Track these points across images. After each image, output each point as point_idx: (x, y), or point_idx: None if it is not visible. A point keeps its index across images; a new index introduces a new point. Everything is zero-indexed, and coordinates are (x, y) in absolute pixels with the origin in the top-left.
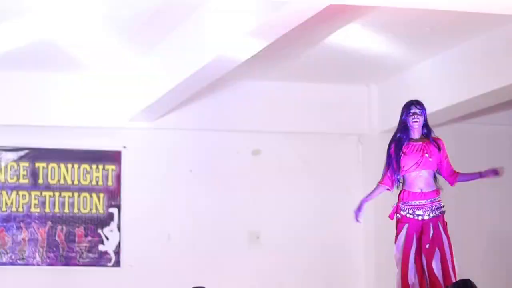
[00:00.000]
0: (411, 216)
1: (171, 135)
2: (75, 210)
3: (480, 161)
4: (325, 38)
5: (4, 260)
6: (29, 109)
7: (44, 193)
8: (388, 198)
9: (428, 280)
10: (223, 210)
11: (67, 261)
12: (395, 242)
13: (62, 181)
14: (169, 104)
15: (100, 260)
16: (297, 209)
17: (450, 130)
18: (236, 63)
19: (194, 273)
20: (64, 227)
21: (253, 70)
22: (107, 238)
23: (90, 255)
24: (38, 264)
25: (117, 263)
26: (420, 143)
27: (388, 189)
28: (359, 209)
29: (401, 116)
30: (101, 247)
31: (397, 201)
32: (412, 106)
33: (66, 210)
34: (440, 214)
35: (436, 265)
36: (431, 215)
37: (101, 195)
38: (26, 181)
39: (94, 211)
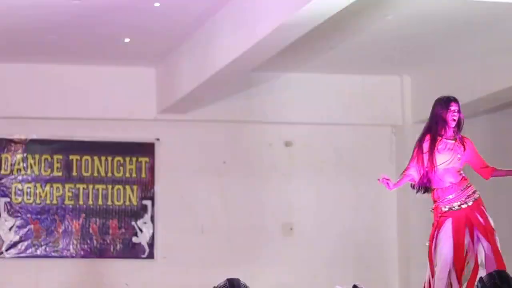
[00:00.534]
0: (453, 209)
1: (204, 127)
2: (109, 202)
3: None
4: (358, 30)
5: (38, 252)
6: (63, 102)
7: (78, 185)
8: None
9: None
10: (256, 202)
11: (101, 253)
12: (434, 239)
13: (95, 174)
14: (202, 96)
15: (134, 252)
16: (330, 200)
17: (484, 120)
18: (268, 55)
19: (227, 265)
20: (97, 219)
21: (286, 62)
22: (141, 230)
23: (124, 247)
24: (72, 256)
25: (150, 255)
26: (453, 142)
27: (413, 180)
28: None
29: (437, 110)
30: (134, 239)
31: (433, 203)
32: (452, 102)
33: (100, 203)
34: (477, 198)
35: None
36: (469, 203)
37: (135, 187)
38: (60, 173)
39: (127, 203)
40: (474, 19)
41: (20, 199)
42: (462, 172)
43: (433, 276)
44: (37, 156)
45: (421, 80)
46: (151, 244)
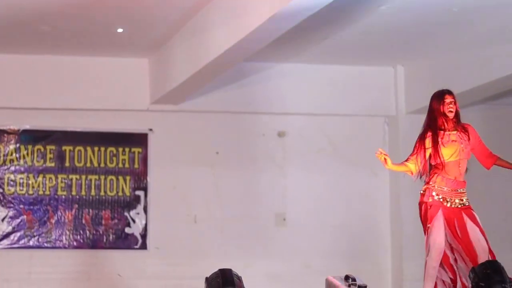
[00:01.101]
0: (442, 201)
1: (197, 118)
2: (102, 193)
3: (508, 141)
4: (352, 20)
5: (31, 243)
6: (55, 93)
7: (70, 176)
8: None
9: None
10: (249, 192)
11: (94, 244)
12: (427, 225)
13: (88, 164)
14: (195, 87)
15: (127, 242)
16: (323, 190)
17: (478, 111)
18: (261, 45)
19: (220, 255)
20: (90, 210)
21: (279, 52)
22: (134, 221)
23: (117, 237)
24: (64, 247)
25: (143, 246)
26: (455, 132)
27: (411, 173)
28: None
29: (434, 105)
30: (127, 230)
31: (426, 183)
32: (446, 95)
33: (93, 193)
34: (467, 204)
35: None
36: (458, 205)
37: (128, 177)
38: (53, 164)
39: (120, 193)
40: (468, 9)
41: (12, 189)
42: (493, 156)
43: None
44: (29, 147)
45: (414, 70)
46: (144, 235)
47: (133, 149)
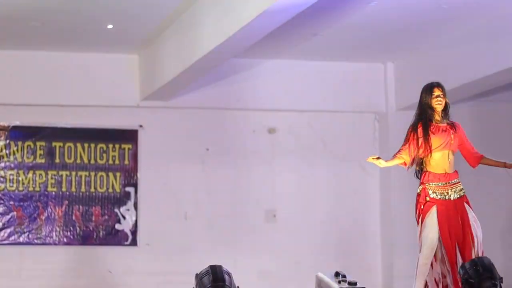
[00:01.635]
0: (439, 197)
1: (187, 114)
2: (92, 189)
3: (498, 138)
4: (342, 16)
5: (21, 239)
6: (45, 89)
7: (60, 172)
8: (405, 176)
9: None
10: (240, 188)
11: (84, 240)
12: (420, 223)
13: (78, 160)
14: (185, 83)
15: (117, 239)
16: (313, 187)
17: (468, 107)
18: (252, 41)
19: (210, 252)
20: (80, 206)
21: (270, 48)
22: (124, 217)
23: (107, 234)
24: (55, 243)
25: (133, 242)
26: (445, 124)
27: (404, 164)
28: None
29: (423, 98)
30: (117, 226)
31: (420, 183)
32: (435, 88)
33: (83, 189)
34: (463, 194)
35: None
36: (456, 196)
37: (118, 174)
38: (43, 160)
39: (110, 190)
40: (457, 6)
41: (2, 186)
42: (477, 153)
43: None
44: (19, 143)
45: (404, 67)
46: (134, 231)
47: (123, 146)
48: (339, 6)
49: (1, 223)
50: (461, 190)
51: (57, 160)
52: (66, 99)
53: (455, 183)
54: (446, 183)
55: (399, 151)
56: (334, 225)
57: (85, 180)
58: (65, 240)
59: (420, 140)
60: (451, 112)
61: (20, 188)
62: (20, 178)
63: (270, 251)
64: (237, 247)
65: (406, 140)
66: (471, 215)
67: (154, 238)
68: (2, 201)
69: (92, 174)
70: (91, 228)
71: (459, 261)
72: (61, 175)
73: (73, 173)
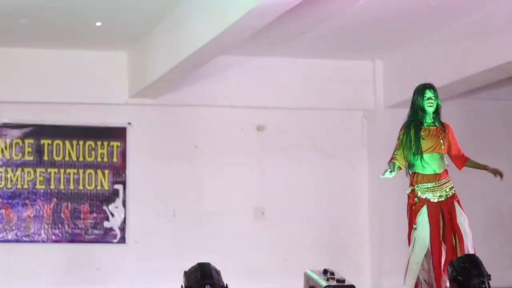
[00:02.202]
0: (429, 198)
1: (176, 112)
2: (80, 187)
3: (485, 136)
4: (330, 14)
5: (9, 237)
6: (34, 86)
7: (49, 169)
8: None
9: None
10: (228, 186)
11: (73, 238)
12: (412, 223)
13: (67, 158)
14: (174, 80)
15: (106, 236)
16: (302, 184)
17: (456, 105)
18: (240, 39)
19: (199, 250)
20: (69, 204)
21: (258, 46)
22: (112, 215)
23: (96, 231)
24: (43, 241)
25: (122, 240)
26: (434, 128)
27: (399, 169)
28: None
29: (415, 99)
30: (106, 224)
31: (409, 185)
32: (427, 90)
33: (71, 187)
34: (454, 193)
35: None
36: (445, 196)
37: (106, 171)
38: (31, 158)
39: (99, 187)
40: (446, 4)
41: None
42: (446, 163)
43: None
44: (8, 140)
45: (393, 64)
46: (122, 229)
47: (111, 143)
48: (327, 4)
49: None
50: (451, 189)
51: (46, 158)
52: (54, 97)
53: (445, 183)
54: (435, 184)
55: (393, 157)
56: (323, 223)
57: (73, 178)
58: (53, 237)
59: (413, 143)
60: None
61: (9, 186)
62: (8, 176)
63: (258, 249)
64: (225, 244)
65: (399, 143)
66: (459, 212)
67: (143, 235)
68: None
69: (81, 171)
70: (79, 226)
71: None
72: (50, 173)
73: (62, 170)
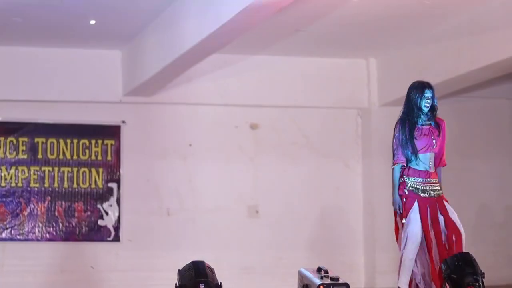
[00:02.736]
0: (418, 193)
1: (170, 110)
2: (74, 185)
3: (478, 134)
4: (324, 12)
5: (3, 235)
6: (28, 84)
7: (43, 168)
8: (388, 172)
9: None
10: (222, 184)
11: (67, 236)
12: (404, 217)
13: (61, 156)
14: (168, 78)
15: (100, 235)
16: (296, 182)
17: (449, 103)
18: (234, 37)
19: (193, 248)
20: (63, 202)
21: (252, 44)
22: (107, 213)
23: (90, 230)
24: (37, 239)
25: (116, 238)
26: (428, 127)
27: (403, 166)
28: (399, 208)
29: (412, 96)
30: (100, 222)
31: (400, 177)
32: (426, 89)
33: (65, 185)
34: (441, 194)
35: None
36: (434, 194)
37: (100, 170)
38: (25, 156)
39: (93, 186)
40: (439, 2)
41: None
42: (444, 161)
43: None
44: (2, 139)
45: (387, 63)
46: (116, 227)
47: (105, 141)
48: (321, 2)
49: None
50: (438, 190)
51: (40, 156)
52: (48, 95)
53: (433, 183)
54: (425, 180)
55: (398, 158)
56: (317, 221)
57: (67, 176)
58: (47, 236)
59: (408, 142)
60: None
61: (3, 184)
62: (2, 174)
63: (252, 247)
64: (219, 242)
65: (396, 142)
66: (451, 211)
67: (137, 234)
68: None
69: (75, 170)
70: (73, 224)
71: (435, 256)
72: (44, 171)
73: (56, 169)
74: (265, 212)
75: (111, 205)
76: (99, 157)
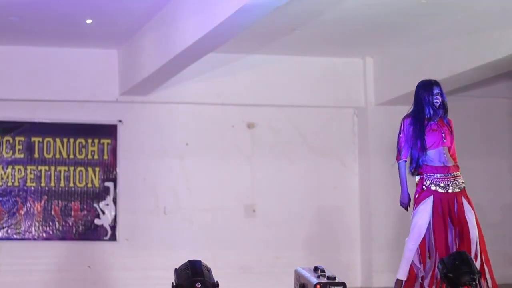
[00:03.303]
0: (435, 188)
1: (166, 109)
2: (71, 184)
3: (474, 133)
4: (321, 11)
5: (0, 234)
6: (24, 84)
7: (40, 167)
8: (385, 171)
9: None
10: (219, 183)
11: (63, 235)
12: (414, 208)
13: (57, 155)
14: (164, 78)
15: (96, 234)
16: (293, 182)
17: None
18: (231, 36)
19: (190, 247)
20: (60, 202)
21: (248, 43)
22: (103, 212)
23: (86, 229)
24: (34, 239)
25: (113, 237)
26: (436, 123)
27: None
28: (409, 203)
29: (421, 95)
30: (97, 221)
31: (418, 174)
32: (435, 86)
33: (62, 184)
34: (463, 188)
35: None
36: (455, 189)
37: (97, 169)
38: (22, 155)
39: (89, 185)
40: (436, 1)
41: None
42: (455, 159)
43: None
44: None
45: (383, 62)
46: (113, 226)
47: (102, 140)
48: (318, 1)
49: None
50: (461, 183)
51: (36, 155)
52: (45, 94)
53: (455, 176)
54: (444, 175)
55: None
56: (314, 220)
57: (64, 175)
58: (44, 235)
59: (417, 138)
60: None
61: None
62: None
63: (249, 246)
64: (216, 242)
65: (403, 138)
66: (468, 208)
67: (134, 233)
68: None
69: (71, 169)
70: (70, 223)
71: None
72: (40, 170)
73: (52, 168)
74: (262, 211)
75: (107, 204)
76: (96, 156)
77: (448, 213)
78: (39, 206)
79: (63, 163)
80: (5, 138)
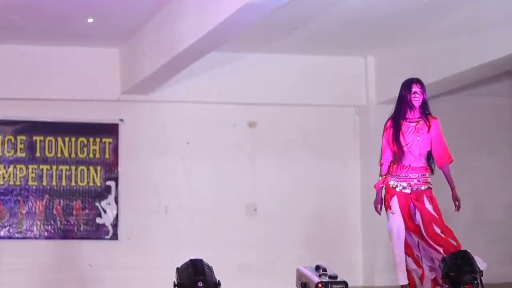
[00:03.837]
0: (397, 188)
1: (168, 108)
2: (73, 183)
3: (476, 131)
4: (322, 10)
5: (1, 233)
6: (26, 83)
7: (41, 166)
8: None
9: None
10: (220, 182)
11: (65, 234)
12: (386, 211)
13: (59, 154)
14: (165, 77)
15: (98, 233)
16: (294, 180)
17: (448, 101)
18: (232, 35)
19: (191, 246)
20: (61, 200)
21: (249, 42)
22: (105, 211)
23: (88, 228)
24: (35, 237)
25: (114, 236)
26: (414, 124)
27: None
28: (379, 200)
29: (401, 93)
30: (98, 220)
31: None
32: (413, 84)
33: (64, 183)
34: (426, 189)
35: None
36: (419, 189)
37: (98, 168)
38: (24, 154)
39: (91, 184)
40: (438, 0)
41: None
42: (428, 162)
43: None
44: (0, 137)
45: (385, 61)
46: (115, 225)
47: (104, 140)
48: (319, 0)
49: None
50: (428, 183)
51: (38, 154)
52: (46, 93)
53: (417, 177)
54: (406, 176)
55: (384, 158)
56: (315, 219)
57: (65, 174)
58: (45, 234)
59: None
60: (433, 107)
61: (1, 182)
62: (0, 172)
63: (251, 245)
64: (218, 241)
65: (385, 139)
66: (427, 202)
67: (135, 232)
68: None
69: (73, 168)
70: (71, 222)
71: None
72: (42, 169)
73: (54, 167)
74: (263, 210)
75: (109, 203)
76: (97, 155)
77: (409, 211)
78: (40, 205)
79: (64, 162)
80: (7, 137)
